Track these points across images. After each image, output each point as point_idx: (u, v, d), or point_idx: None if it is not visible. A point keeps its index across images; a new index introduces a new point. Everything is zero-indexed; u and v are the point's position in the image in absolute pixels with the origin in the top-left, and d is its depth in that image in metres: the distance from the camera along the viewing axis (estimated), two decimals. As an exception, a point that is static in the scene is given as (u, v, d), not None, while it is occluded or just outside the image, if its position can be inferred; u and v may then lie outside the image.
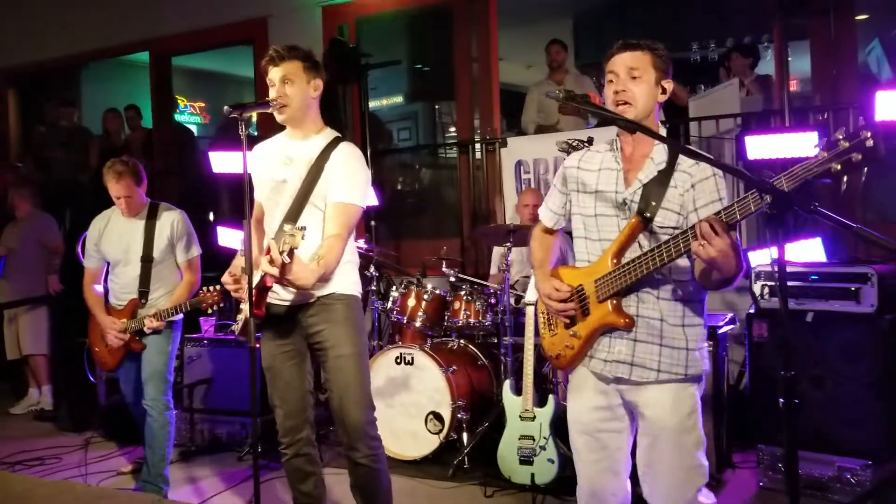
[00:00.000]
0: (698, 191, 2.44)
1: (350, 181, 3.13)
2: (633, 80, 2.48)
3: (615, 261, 2.47)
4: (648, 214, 2.44)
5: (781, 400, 2.05)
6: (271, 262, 2.68)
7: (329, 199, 3.12)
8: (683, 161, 2.48)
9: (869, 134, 1.91)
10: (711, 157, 2.42)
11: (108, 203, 4.42)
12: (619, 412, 2.60)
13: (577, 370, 2.67)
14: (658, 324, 2.49)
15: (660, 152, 2.52)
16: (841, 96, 5.43)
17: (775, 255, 4.15)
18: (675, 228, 2.44)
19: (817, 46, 5.66)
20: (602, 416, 2.60)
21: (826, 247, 4.47)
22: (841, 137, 1.95)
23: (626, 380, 2.53)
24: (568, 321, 2.63)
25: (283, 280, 2.76)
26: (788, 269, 3.60)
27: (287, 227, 2.69)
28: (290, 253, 2.65)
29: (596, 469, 2.63)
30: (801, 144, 4.43)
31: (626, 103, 2.48)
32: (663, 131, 2.60)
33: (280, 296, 3.17)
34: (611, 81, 2.51)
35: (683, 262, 2.44)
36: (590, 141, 4.28)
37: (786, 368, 2.06)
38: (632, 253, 2.47)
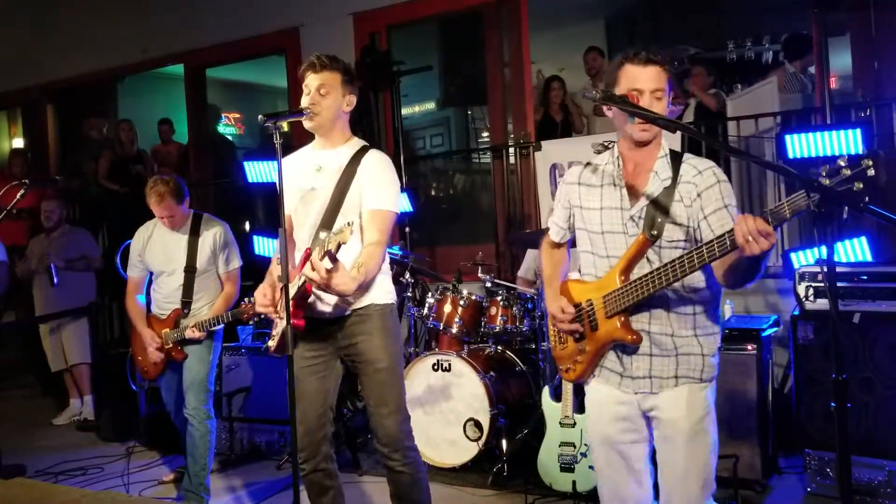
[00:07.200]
0: (704, 199, 2.42)
1: (382, 188, 3.13)
2: (657, 101, 2.43)
3: (623, 277, 2.46)
4: (655, 232, 2.44)
5: (833, 404, 2.00)
6: (313, 268, 2.69)
7: (364, 207, 3.12)
8: (686, 172, 2.47)
9: (870, 162, 1.87)
10: (758, 157, 2.38)
11: (146, 214, 4.44)
12: (638, 422, 2.59)
13: (592, 383, 2.67)
14: (669, 339, 2.50)
15: (664, 167, 2.49)
16: (884, 91, 5.31)
17: (820, 256, 4.09)
18: (684, 241, 2.44)
19: (858, 41, 5.54)
20: (623, 426, 2.59)
21: (871, 246, 4.37)
22: (844, 164, 1.91)
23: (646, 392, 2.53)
24: (578, 336, 2.64)
25: (324, 286, 2.75)
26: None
27: (329, 231, 2.66)
28: (338, 248, 2.64)
29: (619, 480, 2.62)
30: (843, 142, 4.35)
31: (647, 131, 2.45)
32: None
33: (316, 309, 3.15)
34: (636, 98, 2.41)
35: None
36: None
37: (837, 372, 2.01)
38: (640, 269, 2.46)
